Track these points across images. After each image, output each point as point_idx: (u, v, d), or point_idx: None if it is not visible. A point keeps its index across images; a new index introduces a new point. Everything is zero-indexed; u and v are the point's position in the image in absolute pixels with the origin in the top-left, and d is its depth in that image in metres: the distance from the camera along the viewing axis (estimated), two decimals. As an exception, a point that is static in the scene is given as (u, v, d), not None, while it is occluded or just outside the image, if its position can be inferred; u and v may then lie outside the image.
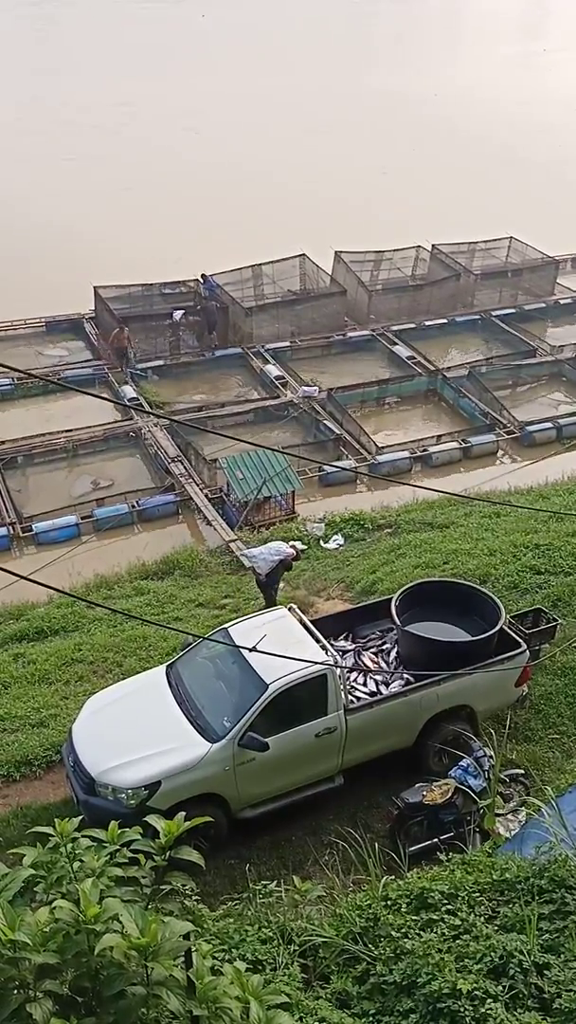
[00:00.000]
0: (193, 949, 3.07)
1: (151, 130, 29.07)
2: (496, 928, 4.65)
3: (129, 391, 16.12)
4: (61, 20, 46.09)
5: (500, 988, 4.27)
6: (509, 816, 6.92)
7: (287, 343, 18.20)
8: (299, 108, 31.83)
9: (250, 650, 6.25)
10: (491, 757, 7.01)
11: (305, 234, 19.25)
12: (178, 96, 32.46)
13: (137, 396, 16.03)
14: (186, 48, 40.74)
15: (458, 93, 34.19)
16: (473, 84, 35.59)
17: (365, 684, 7.74)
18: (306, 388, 16.48)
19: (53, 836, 3.22)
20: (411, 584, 8.41)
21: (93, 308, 18.53)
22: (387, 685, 7.72)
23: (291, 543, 10.00)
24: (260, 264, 19.06)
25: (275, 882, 5.54)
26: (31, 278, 18.95)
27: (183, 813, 3.42)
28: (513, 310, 19.81)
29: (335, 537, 12.41)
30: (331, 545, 12.20)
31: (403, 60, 41.16)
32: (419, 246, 20.44)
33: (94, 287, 18.20)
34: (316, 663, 7.00)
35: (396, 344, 18.23)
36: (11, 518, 13.13)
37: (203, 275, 18.48)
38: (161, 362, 17.40)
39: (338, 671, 7.26)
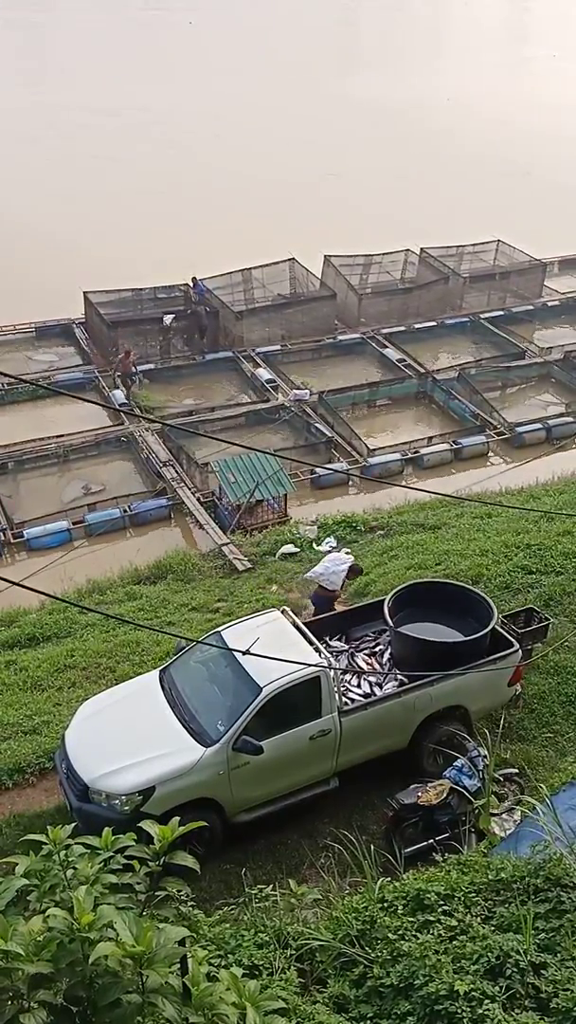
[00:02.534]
0: (189, 955, 3.05)
1: (141, 135, 29.09)
2: (492, 928, 4.64)
3: (120, 396, 16.08)
4: (47, 26, 46.08)
5: (497, 988, 4.26)
6: (504, 816, 6.92)
7: (278, 346, 18.23)
8: (290, 113, 31.94)
9: (243, 653, 6.24)
10: (485, 757, 7.01)
11: (294, 238, 19.30)
12: (169, 101, 32.49)
13: (128, 401, 16.00)
14: (175, 54, 40.81)
15: (451, 98, 34.39)
16: (469, 90, 35.77)
17: (359, 686, 7.73)
18: (297, 391, 16.49)
19: (46, 844, 3.19)
20: (404, 585, 8.41)
21: (83, 313, 18.50)
22: (381, 686, 7.71)
23: (347, 551, 9.61)
24: (250, 268, 19.10)
25: (271, 886, 5.51)
26: (21, 283, 18.90)
27: (177, 818, 3.39)
28: (502, 312, 19.92)
29: (328, 539, 12.38)
30: (324, 547, 12.14)
31: (395, 67, 41.36)
32: (408, 250, 20.55)
33: (84, 292, 18.17)
34: (310, 665, 6.99)
35: (386, 347, 18.29)
36: (2, 524, 13.06)
37: (193, 278, 18.48)
38: (151, 366, 17.38)
39: (332, 673, 7.25)
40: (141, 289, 18.63)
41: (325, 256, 19.59)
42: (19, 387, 15.95)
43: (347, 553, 9.57)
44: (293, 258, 19.29)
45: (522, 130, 30.92)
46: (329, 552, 9.84)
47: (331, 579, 9.18)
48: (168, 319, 17.74)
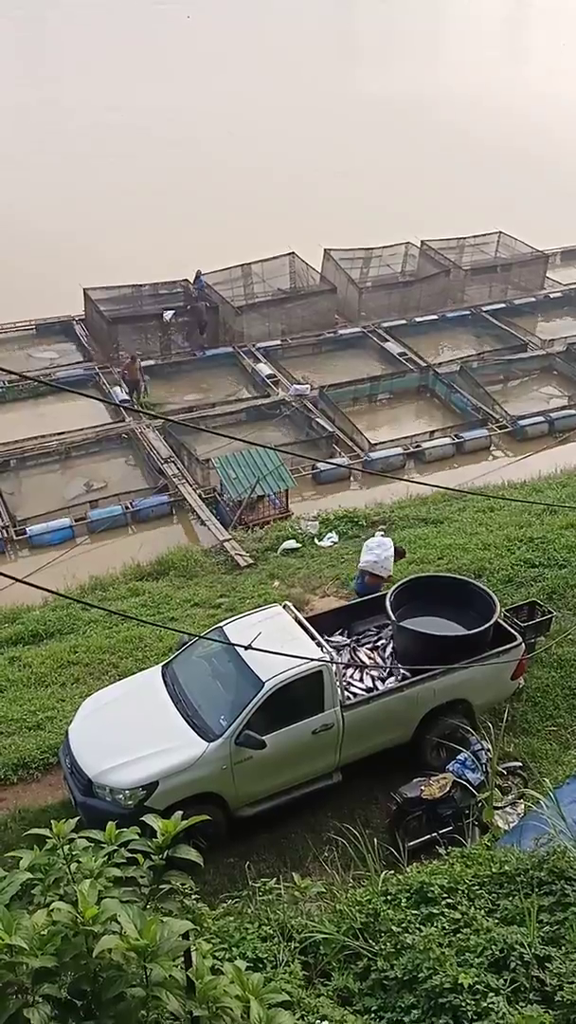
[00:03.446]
0: (193, 948, 3.05)
1: (140, 131, 28.97)
2: (496, 921, 4.64)
3: (120, 392, 16.06)
4: (47, 23, 45.91)
5: (501, 981, 4.26)
6: (508, 809, 6.93)
7: (278, 341, 18.18)
8: (289, 107, 31.79)
9: (246, 648, 6.24)
10: (489, 750, 7.02)
11: (294, 232, 19.23)
12: (166, 97, 32.34)
13: (128, 397, 15.98)
14: (172, 49, 40.62)
15: (449, 91, 34.18)
16: (473, 81, 35.48)
17: (361, 680, 7.74)
18: (298, 386, 16.46)
19: (50, 838, 3.19)
20: (406, 579, 8.40)
21: (83, 310, 18.47)
22: (383, 680, 7.71)
23: (382, 532, 9.47)
24: (249, 263, 19.03)
25: (274, 879, 5.51)
26: (21, 280, 18.86)
27: (181, 812, 3.40)
28: (503, 305, 19.82)
29: (329, 535, 12.40)
30: (325, 543, 12.19)
31: (396, 59, 41.10)
32: (408, 242, 20.46)
33: (83, 289, 18.14)
34: (312, 660, 6.98)
35: (387, 340, 18.23)
36: (5, 521, 13.08)
37: (198, 272, 18.41)
38: (152, 362, 17.34)
39: (334, 667, 7.26)
40: (141, 285, 18.58)
41: (325, 250, 19.51)
42: (20, 384, 15.93)
43: (383, 535, 9.53)
44: (293, 252, 19.22)
45: (526, 120, 30.68)
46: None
47: (385, 565, 9.16)
48: (168, 315, 17.69)
